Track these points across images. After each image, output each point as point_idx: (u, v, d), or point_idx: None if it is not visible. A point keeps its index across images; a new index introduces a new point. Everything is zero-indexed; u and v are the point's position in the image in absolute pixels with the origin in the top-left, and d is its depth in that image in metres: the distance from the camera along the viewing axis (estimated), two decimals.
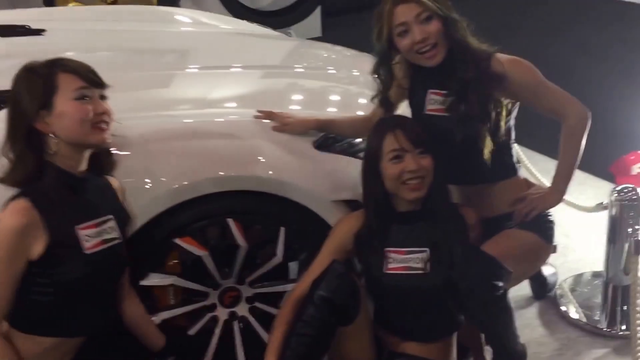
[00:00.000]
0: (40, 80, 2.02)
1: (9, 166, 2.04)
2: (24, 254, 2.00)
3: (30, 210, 1.98)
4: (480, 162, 2.41)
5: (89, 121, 2.04)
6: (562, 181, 2.45)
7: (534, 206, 2.46)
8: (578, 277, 3.29)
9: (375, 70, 2.45)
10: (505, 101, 2.39)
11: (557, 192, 2.46)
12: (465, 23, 2.32)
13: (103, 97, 2.11)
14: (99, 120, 2.06)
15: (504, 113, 2.38)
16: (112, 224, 2.17)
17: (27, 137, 2.03)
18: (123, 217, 2.23)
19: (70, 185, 2.09)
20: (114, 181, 2.25)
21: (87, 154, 2.11)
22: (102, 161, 2.18)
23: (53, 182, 2.05)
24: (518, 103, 2.46)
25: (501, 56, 2.37)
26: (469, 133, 2.34)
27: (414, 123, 2.36)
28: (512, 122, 2.48)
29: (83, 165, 2.11)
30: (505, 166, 2.51)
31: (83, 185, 2.13)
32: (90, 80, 2.07)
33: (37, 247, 2.00)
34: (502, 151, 2.47)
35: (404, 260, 2.31)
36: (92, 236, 2.10)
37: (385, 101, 2.50)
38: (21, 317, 2.06)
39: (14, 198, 2.01)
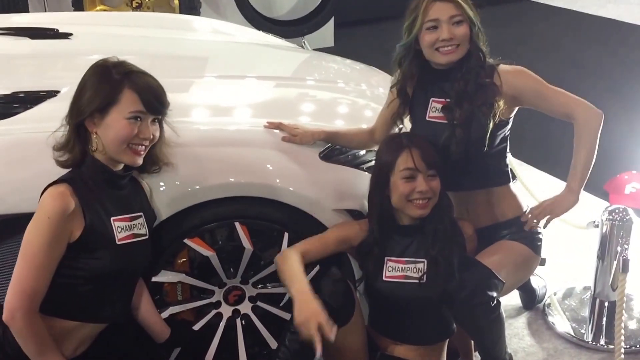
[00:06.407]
0: (107, 87, 2.11)
1: (60, 149, 2.16)
2: (64, 237, 2.07)
3: (71, 195, 2.07)
4: (476, 168, 2.47)
5: (128, 141, 2.12)
6: (576, 182, 2.43)
7: (550, 211, 2.46)
8: (568, 291, 3.31)
9: (398, 61, 2.51)
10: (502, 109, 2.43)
11: (571, 194, 2.44)
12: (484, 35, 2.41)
13: (155, 121, 2.19)
14: (138, 143, 2.15)
15: (496, 119, 2.41)
16: (141, 220, 2.27)
17: (77, 128, 2.13)
18: (150, 216, 2.34)
19: (108, 179, 2.18)
20: (143, 183, 2.36)
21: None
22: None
23: (91, 173, 2.15)
24: (513, 114, 2.50)
25: (503, 66, 2.45)
26: (467, 138, 2.40)
27: (429, 145, 2.39)
28: (507, 132, 2.52)
29: (120, 166, 2.21)
30: (500, 173, 2.55)
31: (119, 182, 2.23)
32: (149, 107, 2.15)
33: (75, 233, 2.08)
34: (498, 158, 2.52)
35: (402, 269, 2.37)
36: (124, 229, 2.20)
37: (402, 91, 2.54)
38: (46, 300, 2.09)
39: (53, 184, 2.09)
